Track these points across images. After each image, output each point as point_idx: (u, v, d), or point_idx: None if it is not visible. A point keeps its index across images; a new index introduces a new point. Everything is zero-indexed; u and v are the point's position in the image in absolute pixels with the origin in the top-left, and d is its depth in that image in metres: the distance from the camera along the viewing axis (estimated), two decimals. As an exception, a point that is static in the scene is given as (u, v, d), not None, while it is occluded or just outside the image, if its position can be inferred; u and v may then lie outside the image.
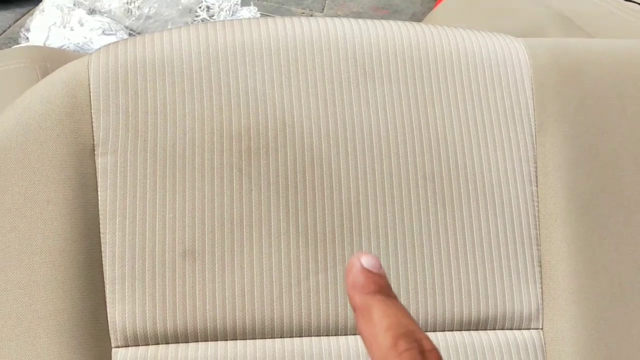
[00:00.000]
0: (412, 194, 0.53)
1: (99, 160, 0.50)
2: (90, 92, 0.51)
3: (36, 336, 0.47)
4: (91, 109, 0.51)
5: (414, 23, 0.59)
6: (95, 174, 0.50)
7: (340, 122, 0.53)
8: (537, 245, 0.55)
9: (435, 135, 0.54)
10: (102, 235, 0.50)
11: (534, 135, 0.56)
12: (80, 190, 0.49)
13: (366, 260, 0.25)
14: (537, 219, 0.55)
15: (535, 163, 0.56)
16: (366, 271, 0.25)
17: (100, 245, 0.49)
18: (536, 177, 0.56)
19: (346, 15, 2.17)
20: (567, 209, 0.55)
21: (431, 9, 2.11)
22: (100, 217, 0.50)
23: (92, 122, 0.51)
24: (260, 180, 0.51)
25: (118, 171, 0.50)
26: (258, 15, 1.94)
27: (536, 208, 0.55)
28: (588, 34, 0.86)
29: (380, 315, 0.23)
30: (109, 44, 0.54)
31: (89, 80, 0.51)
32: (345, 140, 0.53)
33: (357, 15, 2.20)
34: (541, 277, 0.54)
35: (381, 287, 0.25)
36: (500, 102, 0.56)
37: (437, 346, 0.22)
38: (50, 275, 0.48)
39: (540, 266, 0.55)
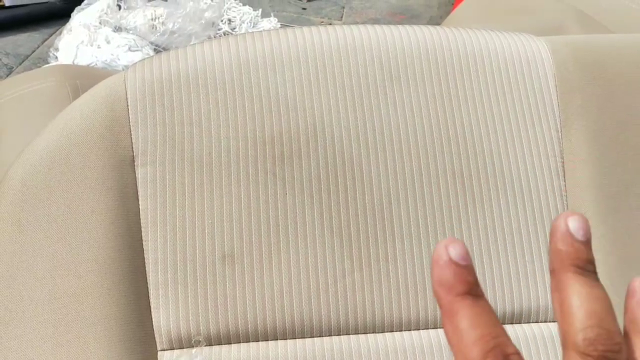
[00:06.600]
0: (442, 192, 0.54)
1: (139, 171, 0.52)
2: (128, 106, 0.53)
3: (85, 342, 0.49)
4: (129, 122, 0.53)
5: (435, 26, 0.60)
6: (136, 184, 0.52)
7: (369, 125, 0.55)
8: None
9: (462, 134, 0.56)
10: (144, 243, 0.51)
11: (559, 131, 0.57)
12: (122, 200, 0.51)
13: (454, 251, 0.23)
14: None
15: (562, 157, 0.57)
16: (454, 265, 0.23)
17: (143, 252, 0.51)
18: (563, 171, 0.56)
19: (364, 22, 2.19)
20: (596, 202, 0.56)
21: (448, 12, 2.11)
22: (142, 225, 0.52)
23: (130, 135, 0.53)
24: (294, 184, 0.53)
25: (157, 180, 0.52)
26: (278, 25, 1.96)
27: (565, 202, 0.56)
28: (608, 30, 0.86)
29: (469, 324, 0.22)
30: (144, 60, 0.56)
31: (126, 95, 0.53)
32: (375, 142, 0.55)
33: (375, 21, 2.22)
34: None
35: (470, 286, 0.23)
36: (525, 99, 0.57)
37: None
38: (97, 282, 0.50)
39: None
